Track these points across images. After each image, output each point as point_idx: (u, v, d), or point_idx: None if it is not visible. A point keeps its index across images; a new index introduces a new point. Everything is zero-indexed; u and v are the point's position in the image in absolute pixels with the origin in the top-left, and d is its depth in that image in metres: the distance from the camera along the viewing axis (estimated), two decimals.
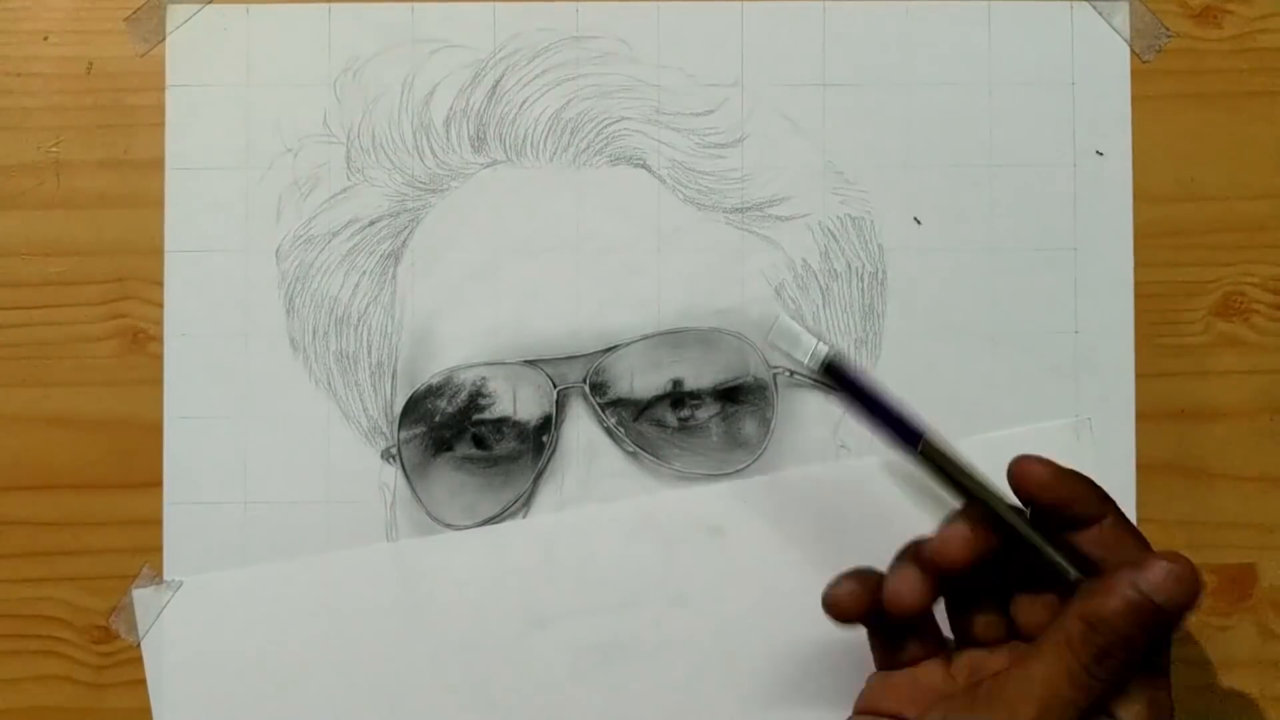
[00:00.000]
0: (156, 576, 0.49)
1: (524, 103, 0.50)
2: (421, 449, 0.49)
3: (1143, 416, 0.50)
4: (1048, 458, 0.41)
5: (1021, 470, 0.41)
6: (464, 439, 0.49)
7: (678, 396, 0.49)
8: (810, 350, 0.43)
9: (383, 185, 0.50)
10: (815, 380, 0.50)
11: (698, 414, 0.49)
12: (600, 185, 0.50)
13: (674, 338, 0.49)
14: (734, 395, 0.49)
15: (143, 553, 0.49)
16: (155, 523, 0.49)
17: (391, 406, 0.49)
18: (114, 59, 0.50)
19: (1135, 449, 0.50)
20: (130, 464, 0.49)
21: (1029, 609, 0.41)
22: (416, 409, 0.49)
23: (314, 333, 0.50)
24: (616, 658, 0.49)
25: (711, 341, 0.49)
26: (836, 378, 0.43)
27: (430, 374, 0.49)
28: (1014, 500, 0.41)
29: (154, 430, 0.49)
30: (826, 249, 0.50)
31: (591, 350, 0.49)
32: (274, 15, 0.50)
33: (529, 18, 0.50)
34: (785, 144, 0.50)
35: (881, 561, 0.50)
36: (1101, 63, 0.51)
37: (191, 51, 0.50)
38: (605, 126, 0.50)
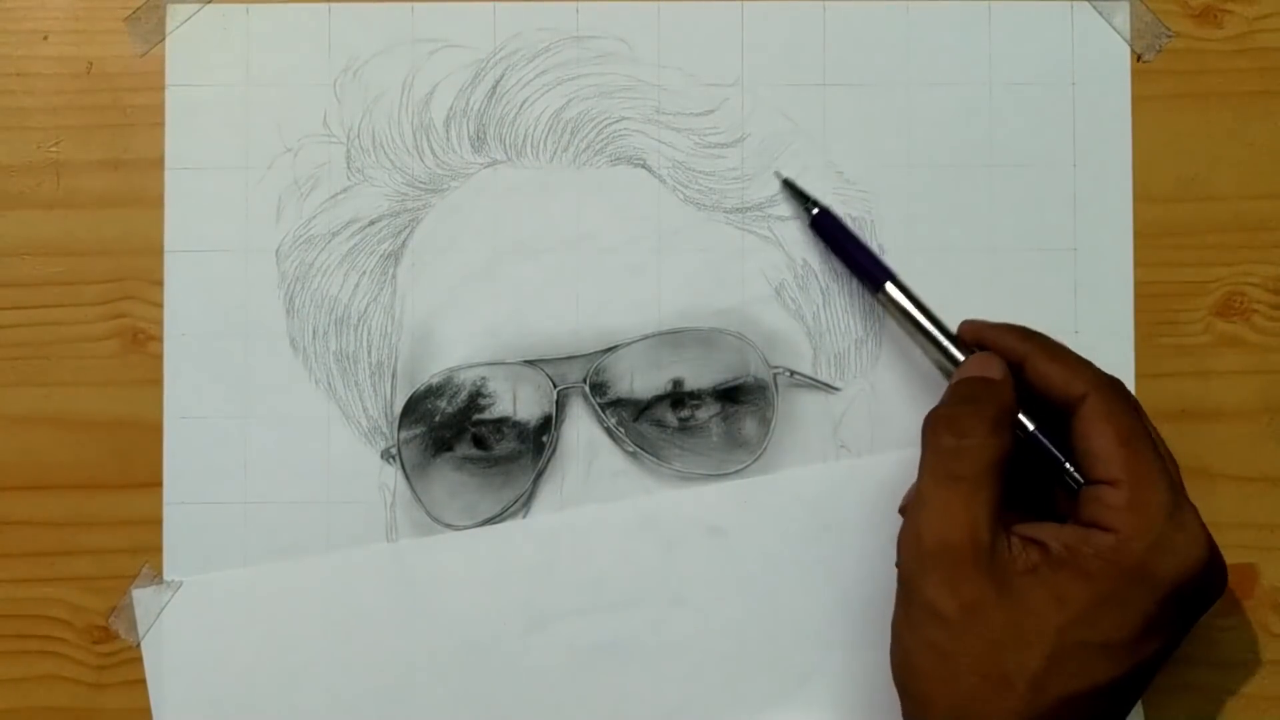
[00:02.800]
0: (156, 576, 0.49)
1: (524, 103, 0.50)
2: (421, 449, 0.49)
3: None
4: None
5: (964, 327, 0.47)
6: (464, 439, 0.49)
7: (678, 396, 0.49)
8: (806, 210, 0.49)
9: (383, 185, 0.50)
10: (815, 381, 0.50)
11: (698, 414, 0.49)
12: (600, 185, 0.50)
13: (674, 338, 0.49)
14: (734, 395, 0.49)
15: (143, 553, 0.49)
16: (155, 523, 0.49)
17: (391, 406, 0.49)
18: (114, 59, 0.50)
19: None
20: (130, 464, 0.49)
21: None
22: (416, 409, 0.49)
23: (314, 333, 0.50)
24: (616, 658, 0.49)
25: (711, 341, 0.49)
26: (821, 231, 0.49)
27: (430, 374, 0.49)
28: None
29: (154, 430, 0.49)
30: (827, 249, 0.50)
31: (591, 350, 0.49)
32: (274, 15, 0.50)
33: (529, 18, 0.50)
34: (785, 144, 0.50)
35: (880, 562, 0.50)
36: (1101, 63, 0.51)
37: (191, 51, 0.50)
38: (605, 126, 0.50)
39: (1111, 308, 0.50)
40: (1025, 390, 0.45)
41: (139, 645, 0.49)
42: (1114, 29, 0.51)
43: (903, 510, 0.45)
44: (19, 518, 0.49)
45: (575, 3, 0.50)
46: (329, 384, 0.50)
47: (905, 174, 0.50)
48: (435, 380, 0.49)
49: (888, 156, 0.50)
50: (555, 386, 0.49)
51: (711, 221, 0.50)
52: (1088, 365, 0.44)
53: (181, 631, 0.49)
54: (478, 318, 0.50)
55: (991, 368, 0.45)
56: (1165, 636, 0.41)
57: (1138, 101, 0.51)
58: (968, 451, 0.42)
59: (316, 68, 0.50)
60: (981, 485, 0.41)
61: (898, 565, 0.43)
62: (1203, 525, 0.42)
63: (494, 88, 0.50)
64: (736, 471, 0.49)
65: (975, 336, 0.47)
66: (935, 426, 0.43)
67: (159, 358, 0.49)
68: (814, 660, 0.49)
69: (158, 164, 0.50)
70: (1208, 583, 0.42)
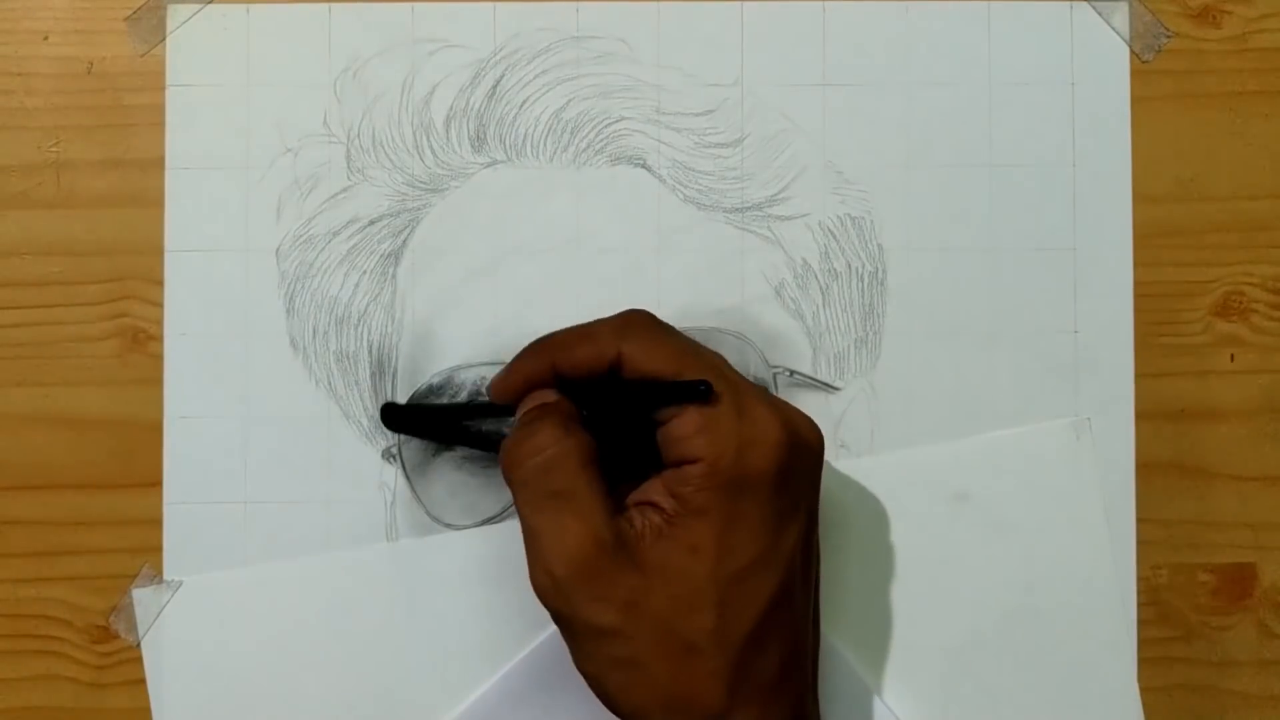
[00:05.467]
0: (156, 576, 0.49)
1: (524, 103, 0.50)
2: (421, 449, 0.49)
3: (1142, 416, 0.50)
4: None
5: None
6: None
7: None
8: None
9: (383, 185, 0.50)
10: (815, 381, 0.50)
11: None
12: (600, 185, 0.50)
13: None
14: None
15: (143, 553, 0.49)
16: (155, 523, 0.49)
17: None
18: (114, 59, 0.50)
19: (1135, 449, 0.50)
20: (130, 464, 0.49)
21: None
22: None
23: (314, 333, 0.50)
24: None
25: (712, 341, 0.49)
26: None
27: (430, 374, 0.49)
28: None
29: (154, 430, 0.49)
30: (826, 249, 0.50)
31: None
32: (274, 15, 0.50)
33: (529, 18, 0.50)
34: (785, 144, 0.50)
35: (880, 562, 0.50)
36: (1101, 63, 0.51)
37: (191, 51, 0.50)
38: (605, 126, 0.50)
39: (1111, 308, 0.50)
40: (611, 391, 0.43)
41: (139, 645, 0.49)
42: (1113, 29, 0.51)
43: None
44: (19, 518, 0.49)
45: (575, 3, 0.50)
46: (329, 384, 0.50)
47: (905, 174, 0.50)
48: (435, 380, 0.49)
49: (888, 156, 0.50)
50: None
51: (711, 221, 0.50)
52: (600, 324, 0.43)
53: (181, 631, 0.49)
54: (478, 318, 0.50)
55: (538, 398, 0.43)
56: (797, 514, 0.41)
57: (1137, 101, 0.51)
58: (552, 463, 0.41)
59: (316, 68, 0.50)
60: (580, 488, 0.40)
61: (553, 612, 0.41)
62: (769, 403, 0.41)
63: (494, 88, 0.50)
64: None
65: (506, 391, 0.44)
66: (510, 458, 0.41)
67: (159, 358, 0.49)
68: None
69: (158, 164, 0.50)
70: (803, 449, 0.41)
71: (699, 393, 0.41)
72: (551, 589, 0.40)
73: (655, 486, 0.41)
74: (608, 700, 0.41)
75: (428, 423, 0.48)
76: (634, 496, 0.42)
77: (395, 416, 0.47)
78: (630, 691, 0.40)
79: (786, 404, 0.42)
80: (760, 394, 0.42)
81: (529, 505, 0.41)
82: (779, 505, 0.40)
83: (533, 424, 0.42)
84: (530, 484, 0.41)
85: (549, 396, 0.43)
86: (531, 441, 0.41)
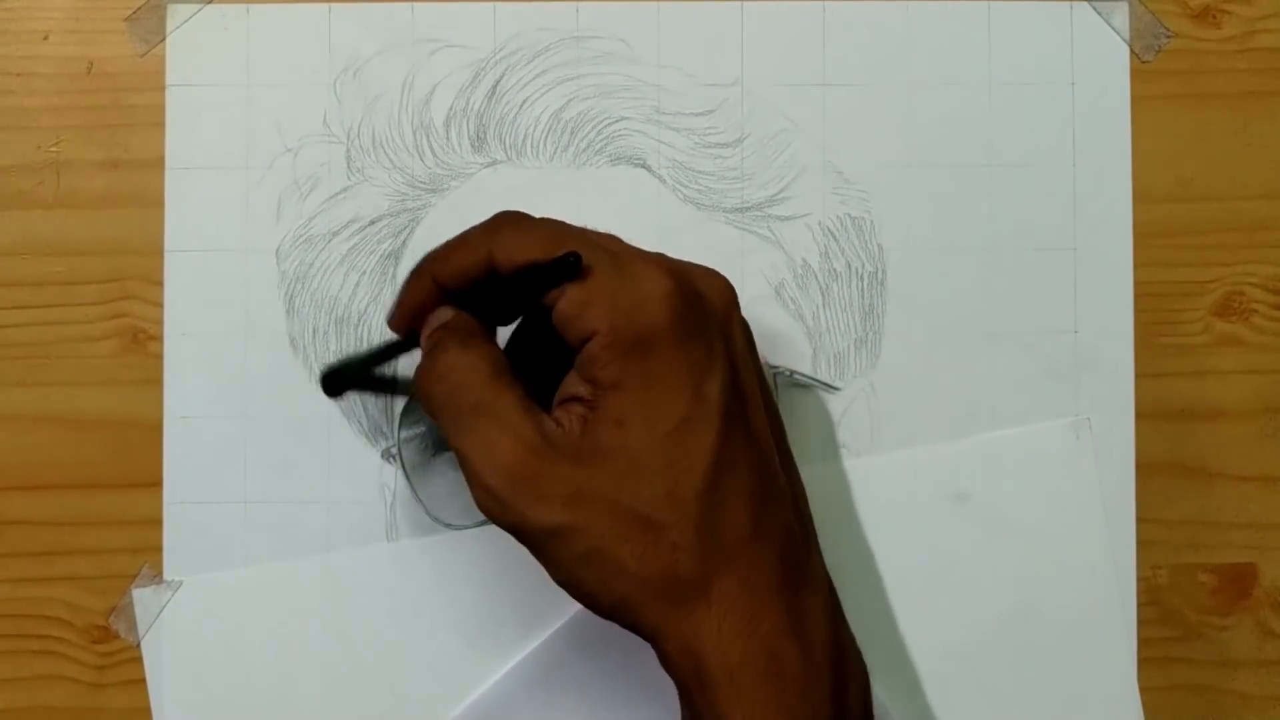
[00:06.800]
0: (156, 576, 0.49)
1: (524, 103, 0.50)
2: (421, 449, 0.49)
3: (1142, 416, 0.50)
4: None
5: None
6: None
7: None
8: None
9: (383, 185, 0.50)
10: (815, 381, 0.50)
11: None
12: (600, 185, 0.50)
13: None
14: None
15: (143, 553, 0.49)
16: (155, 523, 0.49)
17: (391, 406, 0.49)
18: (114, 59, 0.50)
19: (1135, 449, 0.50)
20: (130, 464, 0.49)
21: None
22: (417, 409, 0.49)
23: (314, 333, 0.50)
24: (616, 657, 0.49)
25: None
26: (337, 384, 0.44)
27: None
28: None
29: (154, 430, 0.49)
30: (826, 249, 0.50)
31: None
32: (274, 15, 0.50)
33: (529, 18, 0.50)
34: (785, 144, 0.50)
35: (880, 562, 0.50)
36: (1101, 63, 0.51)
37: (191, 51, 0.50)
38: (605, 126, 0.50)
39: (1111, 308, 0.50)
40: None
41: (139, 645, 0.49)
42: (1113, 29, 0.51)
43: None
44: (19, 517, 0.49)
45: (575, 3, 0.50)
46: None
47: (905, 174, 0.50)
48: None
49: (888, 156, 0.50)
50: None
51: (711, 221, 0.50)
52: (472, 228, 0.42)
53: (181, 631, 0.49)
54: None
55: (436, 319, 0.42)
56: (713, 362, 0.39)
57: (1137, 101, 0.51)
58: (461, 382, 0.40)
59: (316, 68, 0.50)
60: (494, 397, 0.39)
61: (507, 528, 0.40)
62: (652, 259, 0.40)
63: (494, 88, 0.50)
64: None
65: (397, 320, 0.43)
66: (423, 390, 0.41)
67: (159, 358, 0.49)
68: None
69: (158, 164, 0.50)
70: (699, 297, 0.40)
71: (567, 265, 0.39)
72: (494, 504, 0.39)
73: (571, 379, 0.40)
74: (591, 602, 0.39)
75: (363, 379, 0.45)
76: (555, 399, 0.41)
77: (334, 382, 0.44)
78: (607, 584, 0.39)
79: (679, 260, 0.41)
80: (645, 254, 0.40)
81: (452, 430, 0.40)
82: (691, 356, 0.39)
83: (434, 351, 0.41)
84: (447, 408, 0.40)
85: (445, 315, 0.42)
86: (435, 368, 0.41)
